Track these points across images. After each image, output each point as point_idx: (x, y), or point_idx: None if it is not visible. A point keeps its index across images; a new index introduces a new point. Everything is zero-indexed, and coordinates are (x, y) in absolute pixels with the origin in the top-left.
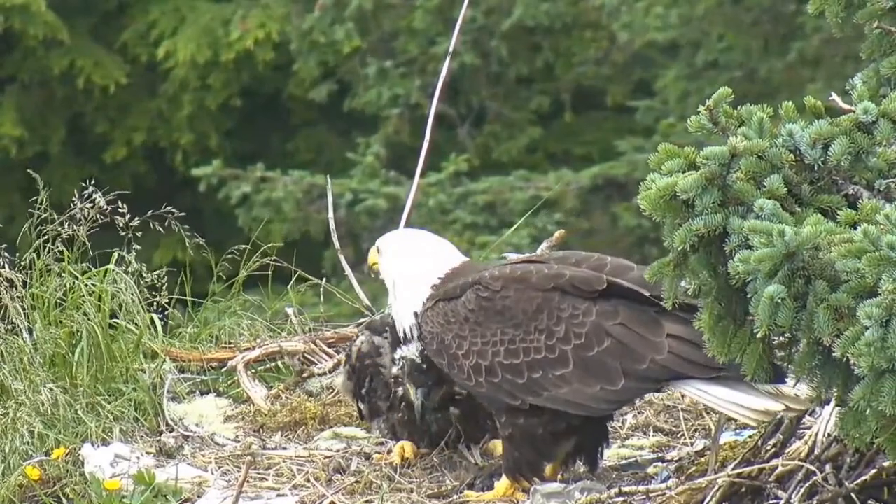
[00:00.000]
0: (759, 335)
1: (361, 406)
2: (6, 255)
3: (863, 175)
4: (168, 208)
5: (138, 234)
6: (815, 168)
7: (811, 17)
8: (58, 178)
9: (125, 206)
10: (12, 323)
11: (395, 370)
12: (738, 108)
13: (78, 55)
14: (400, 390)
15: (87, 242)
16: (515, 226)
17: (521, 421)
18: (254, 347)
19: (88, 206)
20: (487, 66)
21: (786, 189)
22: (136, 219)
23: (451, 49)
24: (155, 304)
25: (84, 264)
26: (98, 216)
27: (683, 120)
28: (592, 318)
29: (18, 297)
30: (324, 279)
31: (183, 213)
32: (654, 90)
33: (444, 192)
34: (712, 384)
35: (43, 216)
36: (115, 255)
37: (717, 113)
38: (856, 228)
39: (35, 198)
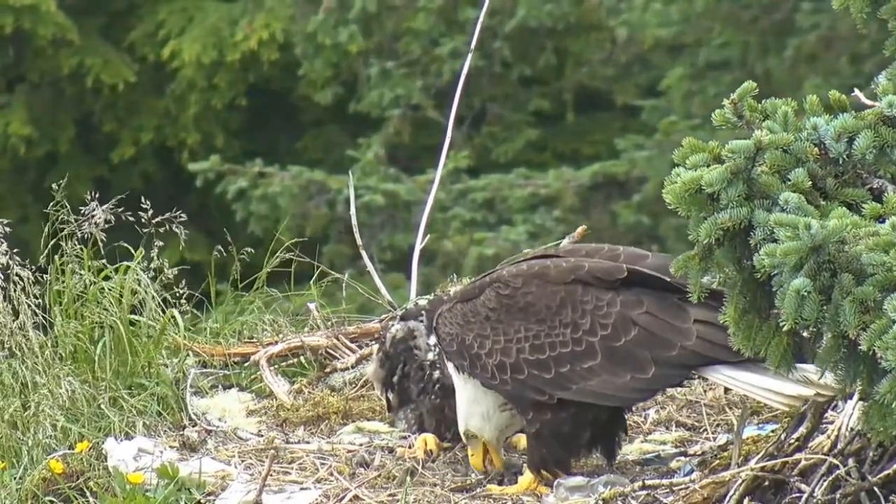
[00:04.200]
0: (784, 328)
1: (390, 396)
2: (17, 258)
3: (887, 169)
4: (177, 212)
5: (159, 232)
6: (840, 162)
7: (807, 14)
8: (69, 177)
9: (143, 204)
10: (32, 319)
11: (430, 356)
12: (764, 101)
13: (87, 54)
14: (436, 374)
15: (103, 242)
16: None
17: (548, 416)
18: (276, 342)
19: (103, 209)
20: (490, 67)
21: (810, 183)
22: (158, 218)
23: (472, 46)
24: (176, 299)
25: (101, 262)
26: (111, 217)
27: (687, 119)
28: (617, 308)
29: (35, 293)
30: (346, 274)
31: (184, 218)
32: (659, 90)
33: (443, 190)
34: (742, 370)
35: (60, 217)
36: (140, 254)
37: (742, 106)
38: (881, 222)
39: (51, 199)
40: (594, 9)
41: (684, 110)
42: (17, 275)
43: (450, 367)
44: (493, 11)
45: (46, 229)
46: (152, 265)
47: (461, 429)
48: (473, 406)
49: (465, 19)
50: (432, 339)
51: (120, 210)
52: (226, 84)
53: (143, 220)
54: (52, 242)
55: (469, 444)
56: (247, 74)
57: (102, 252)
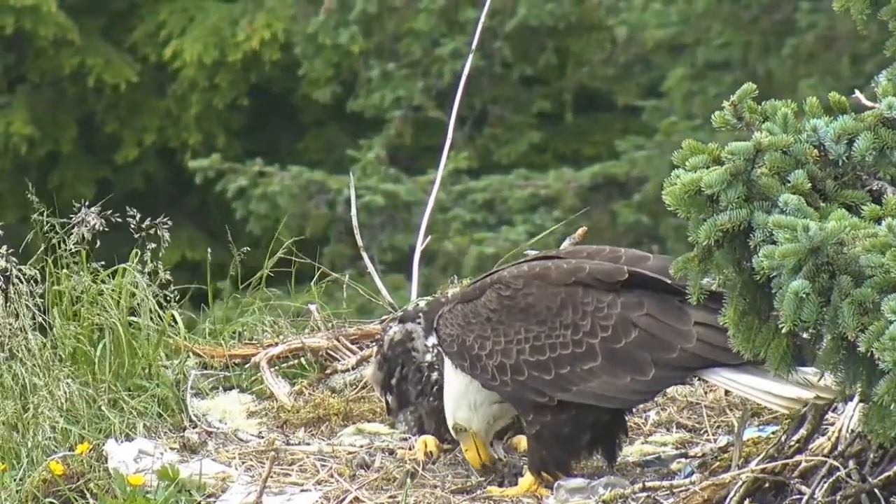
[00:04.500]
0: (783, 330)
1: (389, 398)
2: (16, 259)
3: (887, 171)
4: (164, 218)
5: (152, 234)
6: (840, 163)
7: (806, 13)
8: (70, 177)
9: (133, 209)
10: (32, 321)
11: (429, 357)
12: (763, 103)
13: (88, 54)
14: (434, 375)
15: (88, 248)
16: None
17: (549, 418)
18: (277, 344)
19: (91, 212)
20: (491, 67)
21: (810, 184)
22: (146, 222)
23: (473, 47)
24: (172, 301)
25: (98, 265)
26: (102, 222)
27: (687, 119)
28: (618, 310)
29: (35, 294)
30: (346, 276)
31: (169, 221)
32: (660, 91)
33: (443, 190)
34: (742, 373)
35: (50, 221)
36: (134, 255)
37: (742, 108)
38: (880, 224)
39: (53, 199)
40: (594, 8)
41: (685, 111)
42: (16, 276)
43: (446, 361)
44: (493, 11)
45: (31, 235)
46: (147, 269)
47: (449, 423)
48: (461, 398)
49: (466, 20)
50: (430, 341)
51: (109, 213)
52: (227, 84)
53: (135, 224)
54: (43, 247)
55: (459, 439)
56: (248, 74)
57: (92, 254)
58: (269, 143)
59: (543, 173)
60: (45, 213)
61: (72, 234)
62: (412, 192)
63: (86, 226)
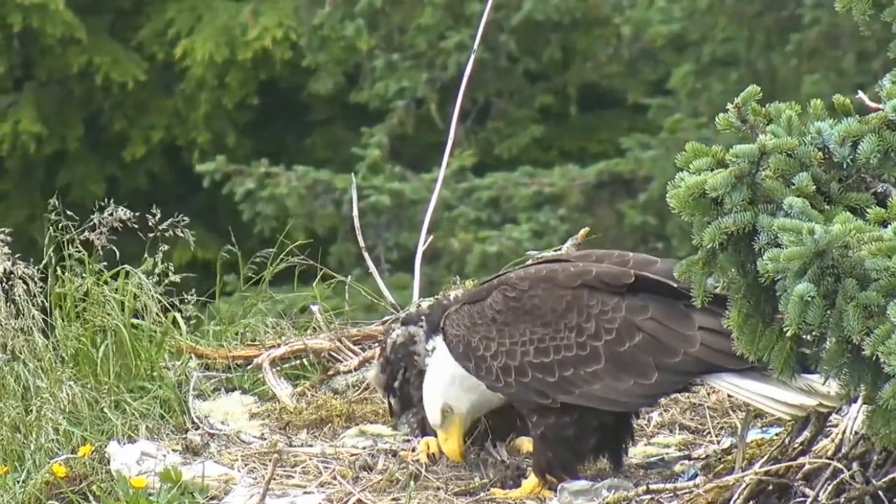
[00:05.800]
0: (788, 333)
1: (392, 401)
2: (22, 259)
3: (891, 173)
4: (180, 216)
5: (165, 236)
6: (844, 166)
7: (810, 8)
8: (79, 175)
9: (154, 207)
10: (34, 322)
11: (429, 359)
12: (768, 105)
13: (95, 53)
14: None
15: (101, 249)
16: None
17: (553, 420)
18: (279, 345)
19: (108, 216)
20: (496, 61)
21: (815, 187)
22: (165, 223)
23: (476, 45)
24: (177, 302)
25: (102, 265)
26: (117, 224)
27: (693, 117)
28: (622, 313)
29: (39, 292)
30: (349, 277)
31: (186, 219)
32: (666, 88)
33: (448, 188)
34: (745, 378)
35: (60, 221)
36: (146, 262)
37: (746, 111)
38: (885, 227)
39: (58, 198)
40: (600, 4)
41: (690, 108)
42: (20, 277)
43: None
44: (499, 5)
45: (47, 238)
46: (157, 270)
47: (436, 405)
48: (455, 380)
49: (472, 13)
50: (430, 345)
51: (126, 218)
52: (237, 83)
53: (149, 225)
54: (52, 247)
55: (442, 428)
56: (258, 73)
57: (117, 255)
58: (276, 140)
59: (549, 171)
60: (52, 212)
61: (79, 237)
62: (417, 190)
63: (101, 230)
